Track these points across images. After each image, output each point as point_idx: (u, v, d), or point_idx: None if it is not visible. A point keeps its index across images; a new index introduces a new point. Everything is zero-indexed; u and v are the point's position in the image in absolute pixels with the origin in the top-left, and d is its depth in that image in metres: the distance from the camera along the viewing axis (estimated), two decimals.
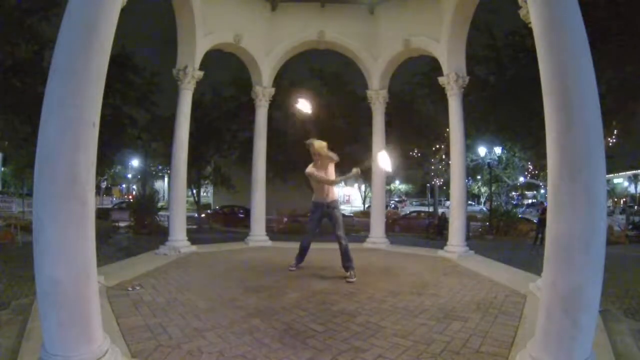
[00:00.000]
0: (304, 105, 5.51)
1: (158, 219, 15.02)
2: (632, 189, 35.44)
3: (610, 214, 24.88)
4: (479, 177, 25.76)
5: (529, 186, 29.82)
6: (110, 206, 25.03)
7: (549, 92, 2.32)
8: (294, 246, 7.48)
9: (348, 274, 4.80)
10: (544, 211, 12.81)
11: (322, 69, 17.48)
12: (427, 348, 2.75)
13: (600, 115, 2.25)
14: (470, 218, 15.34)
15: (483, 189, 27.26)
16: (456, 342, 2.85)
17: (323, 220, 5.25)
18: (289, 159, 16.16)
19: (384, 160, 5.10)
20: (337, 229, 5.01)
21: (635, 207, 29.22)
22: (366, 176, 18.82)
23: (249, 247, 7.46)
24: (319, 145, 4.95)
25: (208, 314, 3.40)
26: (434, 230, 16.00)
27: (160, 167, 24.64)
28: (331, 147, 5.03)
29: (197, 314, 3.39)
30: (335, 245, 5.04)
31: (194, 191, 18.85)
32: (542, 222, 12.90)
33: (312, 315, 3.44)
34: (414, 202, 43.10)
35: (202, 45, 6.84)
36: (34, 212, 2.15)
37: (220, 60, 8.78)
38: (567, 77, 2.25)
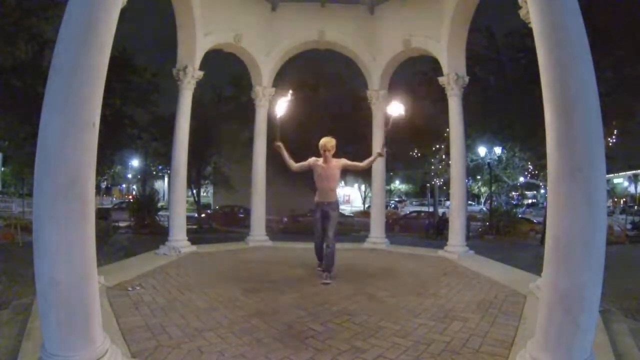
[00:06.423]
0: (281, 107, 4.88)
1: (158, 219, 15.02)
2: (632, 189, 35.39)
3: (610, 214, 24.87)
4: (479, 177, 25.74)
5: (529, 186, 29.75)
6: (110, 206, 25.00)
7: (549, 91, 2.31)
8: (294, 246, 7.54)
9: (324, 274, 4.69)
10: None
11: (322, 70, 17.46)
12: (427, 348, 2.75)
13: (600, 115, 2.25)
14: (470, 218, 15.34)
15: (483, 189, 27.24)
16: (456, 342, 2.85)
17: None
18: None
19: (396, 108, 4.75)
20: (329, 229, 4.84)
21: (636, 207, 29.20)
22: (365, 176, 18.82)
23: (249, 247, 7.45)
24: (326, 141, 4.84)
25: (208, 314, 3.40)
26: (434, 230, 16.00)
27: (160, 167, 24.59)
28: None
29: (197, 314, 3.39)
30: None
31: (194, 191, 18.82)
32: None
33: (312, 315, 3.44)
34: (413, 202, 43.03)
35: (202, 45, 6.84)
36: (34, 212, 2.15)
37: (220, 60, 8.77)
38: (567, 77, 2.25)
